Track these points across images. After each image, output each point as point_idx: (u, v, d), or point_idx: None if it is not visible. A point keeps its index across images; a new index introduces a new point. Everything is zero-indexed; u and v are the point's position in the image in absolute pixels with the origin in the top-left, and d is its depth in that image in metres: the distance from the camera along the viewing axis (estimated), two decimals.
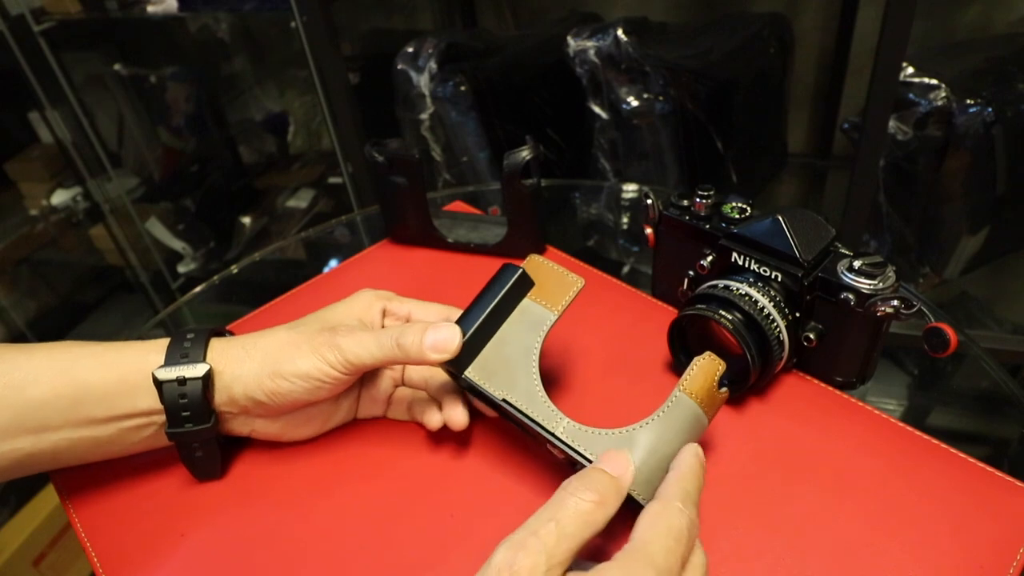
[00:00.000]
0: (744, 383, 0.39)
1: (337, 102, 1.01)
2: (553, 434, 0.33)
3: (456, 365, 0.35)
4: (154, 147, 1.53)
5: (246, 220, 1.53)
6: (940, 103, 0.82)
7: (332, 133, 1.15)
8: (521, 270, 0.37)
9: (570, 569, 0.27)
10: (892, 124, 0.85)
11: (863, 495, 0.35)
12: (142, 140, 1.51)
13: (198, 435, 0.36)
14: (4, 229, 1.49)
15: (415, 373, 0.42)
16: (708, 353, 0.34)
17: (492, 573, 0.26)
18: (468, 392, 0.39)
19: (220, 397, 0.36)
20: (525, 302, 0.37)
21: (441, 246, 0.58)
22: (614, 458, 0.30)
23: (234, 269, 0.71)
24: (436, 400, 0.40)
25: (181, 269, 1.58)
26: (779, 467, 0.37)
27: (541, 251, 0.57)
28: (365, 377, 0.41)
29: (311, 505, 0.37)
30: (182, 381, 0.35)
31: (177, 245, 1.56)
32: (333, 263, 0.61)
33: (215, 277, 0.69)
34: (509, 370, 0.35)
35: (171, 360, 0.36)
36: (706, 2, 1.16)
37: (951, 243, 0.92)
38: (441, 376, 0.40)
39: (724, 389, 0.34)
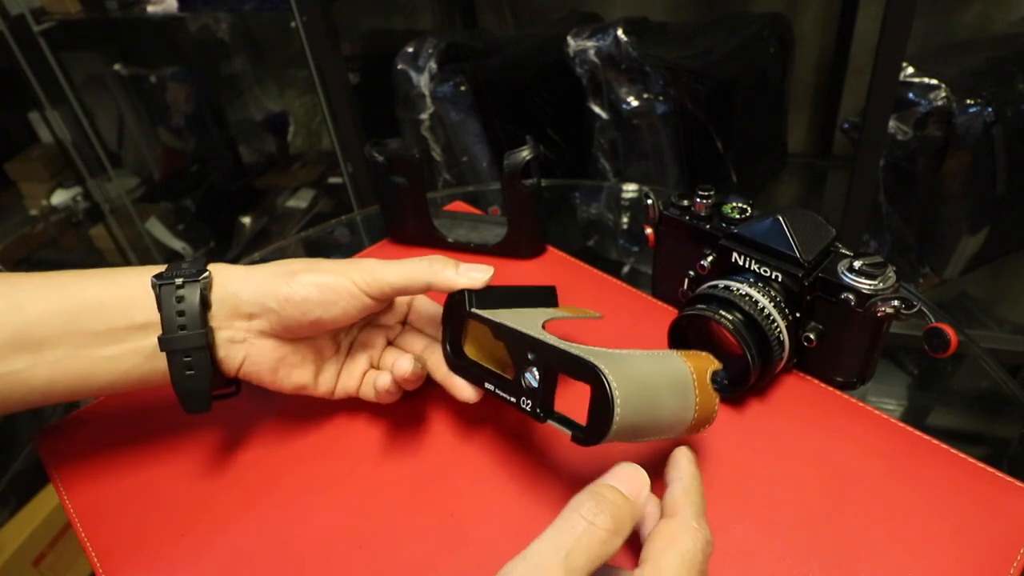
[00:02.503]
0: (744, 383, 0.39)
1: (337, 102, 1.01)
2: (543, 341, 0.32)
3: (472, 300, 0.37)
4: (154, 147, 1.53)
5: (246, 220, 1.53)
6: (940, 103, 0.82)
7: (332, 133, 1.15)
8: (552, 288, 0.40)
9: None
10: (892, 124, 0.85)
11: (863, 495, 0.35)
12: (142, 140, 1.51)
13: (190, 342, 0.35)
14: (4, 229, 1.49)
15: (389, 357, 0.42)
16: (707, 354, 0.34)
17: None
18: (473, 320, 0.38)
19: (220, 307, 0.36)
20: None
21: (441, 246, 0.58)
22: (630, 476, 0.28)
23: None
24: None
25: None
26: (779, 467, 0.37)
27: (541, 251, 0.57)
28: (353, 348, 0.41)
29: (311, 505, 0.37)
30: (180, 284, 0.35)
31: (177, 245, 1.56)
32: None
33: None
34: (516, 317, 0.36)
35: (171, 271, 0.36)
36: (706, 2, 1.16)
37: (951, 243, 0.92)
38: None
39: (715, 390, 0.33)
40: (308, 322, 0.37)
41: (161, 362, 0.35)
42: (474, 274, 0.37)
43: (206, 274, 0.36)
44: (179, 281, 0.35)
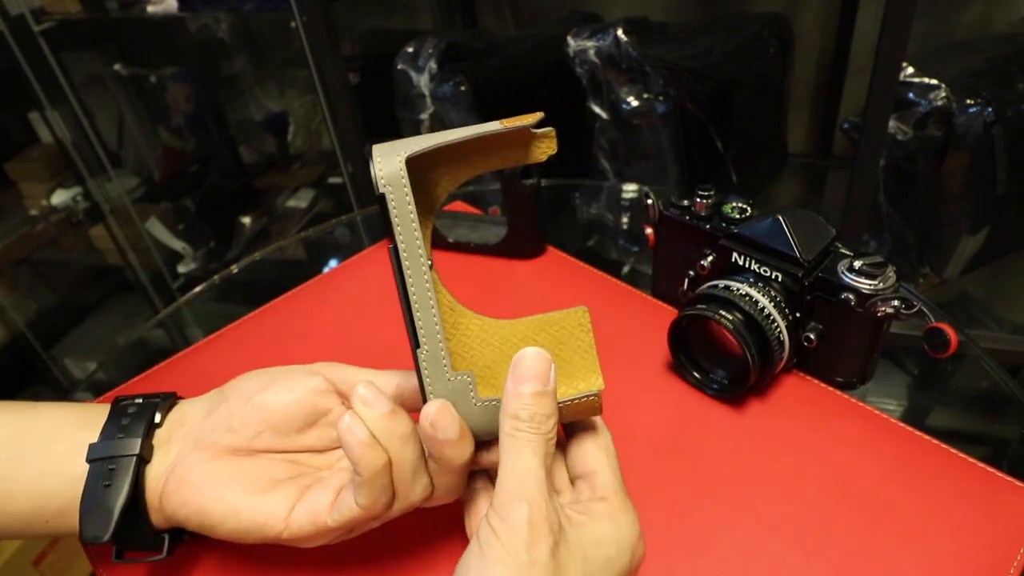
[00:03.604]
0: (744, 383, 0.39)
1: (337, 102, 1.01)
2: (418, 342, 0.28)
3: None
4: (154, 147, 1.53)
5: (246, 220, 1.53)
6: (940, 103, 0.82)
7: (332, 133, 1.15)
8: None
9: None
10: (892, 124, 0.85)
11: (863, 495, 0.35)
12: (142, 140, 1.51)
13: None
14: (4, 229, 1.49)
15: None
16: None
17: (532, 533, 0.25)
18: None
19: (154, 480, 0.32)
20: None
21: (441, 246, 0.58)
22: (537, 369, 0.28)
23: (234, 269, 0.71)
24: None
25: (181, 269, 1.58)
26: (779, 467, 0.37)
27: (541, 251, 0.57)
28: (310, 486, 0.33)
29: None
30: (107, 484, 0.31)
31: (177, 245, 1.56)
32: (333, 263, 0.61)
33: (215, 277, 0.69)
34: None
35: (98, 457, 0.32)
36: (706, 2, 1.16)
37: (951, 243, 0.92)
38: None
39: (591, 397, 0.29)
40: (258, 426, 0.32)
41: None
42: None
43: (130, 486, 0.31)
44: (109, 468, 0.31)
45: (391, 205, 0.27)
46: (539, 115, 0.30)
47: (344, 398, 0.34)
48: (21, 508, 0.32)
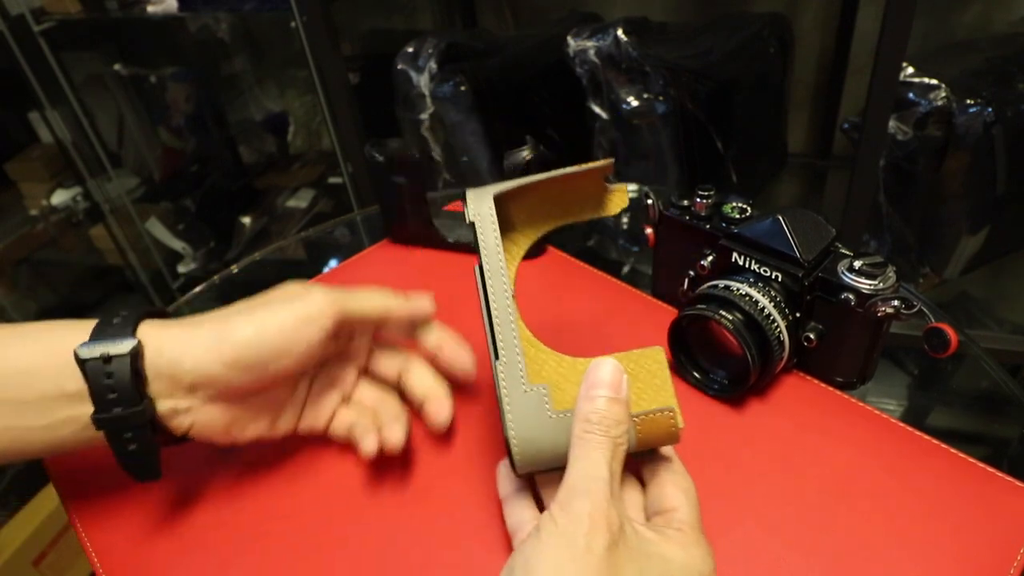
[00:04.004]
0: (744, 383, 0.39)
1: (337, 102, 1.01)
2: (497, 351, 0.30)
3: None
4: (154, 147, 1.53)
5: (246, 220, 1.53)
6: (940, 103, 0.82)
7: (332, 133, 1.15)
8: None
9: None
10: (892, 124, 0.85)
11: (863, 495, 0.35)
12: (142, 140, 1.51)
13: (129, 421, 0.32)
14: (4, 229, 1.50)
15: (368, 391, 0.40)
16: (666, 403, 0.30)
17: (592, 525, 0.25)
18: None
19: (158, 380, 0.32)
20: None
21: (441, 246, 0.58)
22: (609, 376, 0.29)
23: (234, 269, 0.71)
24: (378, 422, 0.38)
25: (181, 269, 1.58)
26: (779, 467, 0.37)
27: (541, 251, 0.57)
28: (315, 385, 0.39)
29: (310, 504, 0.37)
30: (107, 359, 0.31)
31: (177, 245, 1.56)
32: (333, 263, 0.61)
33: (215, 277, 0.69)
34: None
35: (97, 337, 0.32)
36: (706, 2, 1.16)
37: (951, 243, 0.92)
38: (390, 401, 0.39)
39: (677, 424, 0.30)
40: (261, 378, 0.34)
41: (99, 433, 0.33)
42: (423, 304, 0.38)
43: (134, 343, 0.32)
44: (105, 353, 0.31)
45: (478, 230, 0.32)
46: (610, 160, 0.35)
47: (335, 327, 0.35)
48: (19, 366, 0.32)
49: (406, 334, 0.40)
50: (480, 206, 0.32)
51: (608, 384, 0.29)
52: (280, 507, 0.38)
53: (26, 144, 1.49)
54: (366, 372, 0.41)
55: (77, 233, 1.55)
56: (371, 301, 0.36)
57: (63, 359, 0.32)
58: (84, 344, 0.32)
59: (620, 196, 0.36)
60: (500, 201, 0.33)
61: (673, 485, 0.30)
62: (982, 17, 1.00)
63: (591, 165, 0.34)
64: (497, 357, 0.30)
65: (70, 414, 0.32)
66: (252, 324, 0.33)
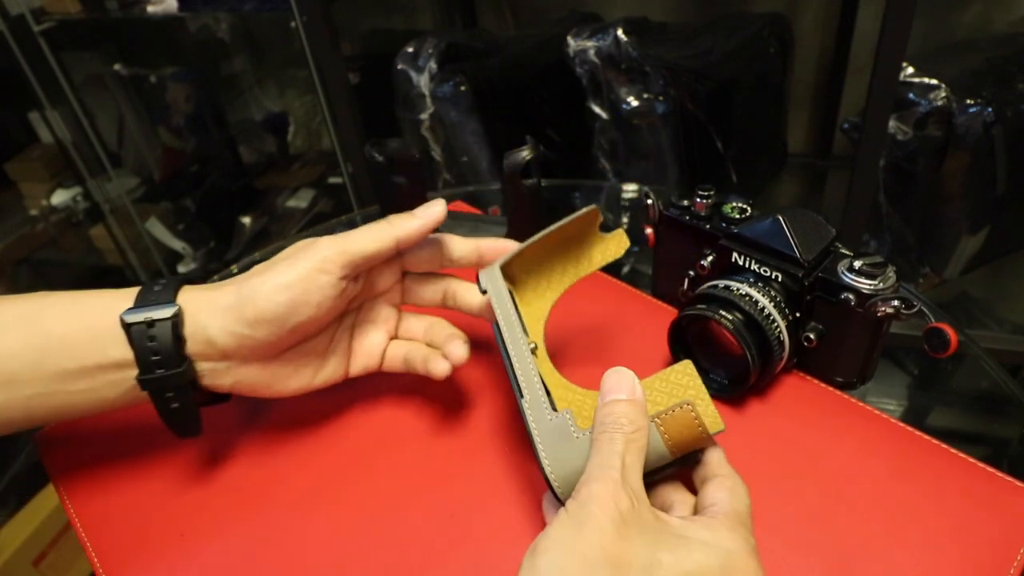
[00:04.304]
0: (744, 383, 0.39)
1: (337, 102, 1.01)
2: (520, 393, 0.33)
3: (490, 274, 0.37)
4: (154, 147, 1.53)
5: (246, 220, 1.53)
6: (940, 103, 0.82)
7: (332, 133, 1.15)
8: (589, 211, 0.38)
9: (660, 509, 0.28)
10: (892, 124, 0.85)
11: (863, 495, 0.35)
12: (142, 140, 1.51)
13: (171, 381, 0.34)
14: (4, 229, 1.49)
15: (414, 322, 0.41)
16: (690, 399, 0.31)
17: (598, 505, 0.26)
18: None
19: (195, 343, 0.34)
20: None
21: None
22: (620, 382, 0.31)
23: (234, 269, 0.71)
24: (435, 347, 0.39)
25: (181, 269, 1.58)
26: (779, 467, 0.37)
27: None
28: (357, 330, 0.40)
29: (310, 504, 0.37)
30: (150, 323, 0.33)
31: (177, 245, 1.56)
32: None
33: (215, 277, 0.69)
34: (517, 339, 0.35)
35: (140, 304, 0.34)
36: (706, 2, 1.16)
37: (951, 243, 0.92)
38: (439, 323, 0.40)
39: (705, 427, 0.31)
40: (287, 333, 0.35)
41: (143, 393, 0.35)
42: (431, 210, 0.37)
43: (175, 309, 0.34)
44: (149, 318, 0.33)
45: (491, 293, 0.36)
46: (593, 207, 0.37)
47: (346, 275, 0.36)
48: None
49: (431, 257, 0.40)
50: (491, 274, 0.37)
51: (618, 388, 0.30)
52: (282, 507, 0.38)
53: (26, 144, 1.48)
54: (406, 305, 0.42)
55: (77, 233, 1.55)
56: (373, 236, 0.36)
57: (106, 327, 0.33)
58: (129, 310, 0.34)
59: (619, 239, 0.39)
60: (507, 267, 0.37)
61: (717, 486, 0.30)
62: (982, 17, 1.00)
63: (575, 214, 0.36)
64: (522, 395, 0.32)
65: (113, 378, 0.34)
66: (264, 283, 0.34)
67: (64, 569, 1.06)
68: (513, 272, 0.39)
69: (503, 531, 0.35)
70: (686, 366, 0.33)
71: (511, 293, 0.37)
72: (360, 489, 0.38)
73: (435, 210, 0.37)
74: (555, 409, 0.32)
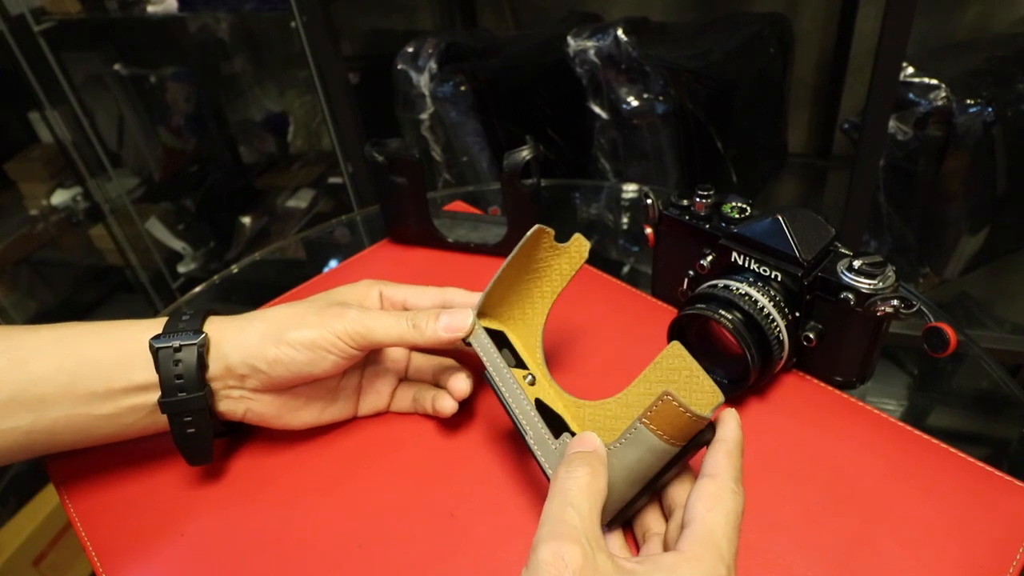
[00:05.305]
0: (744, 383, 0.39)
1: (337, 102, 1.01)
2: (524, 433, 0.35)
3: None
4: (154, 147, 1.53)
5: (246, 220, 1.53)
6: (940, 103, 0.82)
7: (332, 133, 1.15)
8: (533, 232, 0.38)
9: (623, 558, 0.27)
10: (892, 124, 0.85)
11: (863, 495, 0.35)
12: (142, 140, 1.51)
13: (190, 405, 0.36)
14: (4, 229, 1.49)
15: (423, 362, 0.42)
16: (668, 390, 0.30)
17: (546, 571, 0.25)
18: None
19: (215, 368, 0.36)
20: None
21: (441, 246, 0.58)
22: (582, 440, 0.32)
23: (234, 269, 0.71)
24: (440, 386, 0.41)
25: (181, 269, 1.58)
26: (779, 467, 0.37)
27: None
28: (368, 370, 0.42)
29: (310, 504, 0.37)
30: (177, 348, 0.35)
31: (177, 245, 1.56)
32: (333, 263, 0.61)
33: (215, 277, 0.69)
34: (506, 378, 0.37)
35: (168, 331, 0.36)
36: (706, 2, 1.16)
37: (951, 243, 0.92)
38: (447, 363, 0.42)
39: (707, 412, 0.30)
40: (301, 378, 0.37)
41: (161, 418, 0.36)
42: (456, 326, 0.37)
43: (203, 336, 0.36)
44: (176, 344, 0.36)
45: (476, 346, 0.37)
46: (537, 227, 0.38)
47: (361, 350, 0.38)
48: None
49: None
50: (472, 323, 0.38)
51: (579, 443, 0.32)
52: (283, 507, 0.38)
53: (26, 144, 1.48)
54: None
55: (77, 233, 1.55)
56: (398, 334, 0.37)
57: (132, 352, 0.36)
58: (157, 336, 0.36)
59: (579, 244, 0.40)
60: (484, 309, 0.39)
61: (697, 495, 0.29)
62: (982, 17, 1.00)
63: (522, 240, 0.37)
64: (524, 435, 0.34)
65: (134, 403, 0.36)
66: (289, 332, 0.36)
67: (64, 569, 1.06)
68: (492, 310, 0.40)
69: (503, 531, 0.35)
70: (674, 347, 0.33)
71: (502, 333, 0.39)
72: (360, 488, 0.38)
73: (463, 325, 0.37)
74: (564, 434, 0.34)
